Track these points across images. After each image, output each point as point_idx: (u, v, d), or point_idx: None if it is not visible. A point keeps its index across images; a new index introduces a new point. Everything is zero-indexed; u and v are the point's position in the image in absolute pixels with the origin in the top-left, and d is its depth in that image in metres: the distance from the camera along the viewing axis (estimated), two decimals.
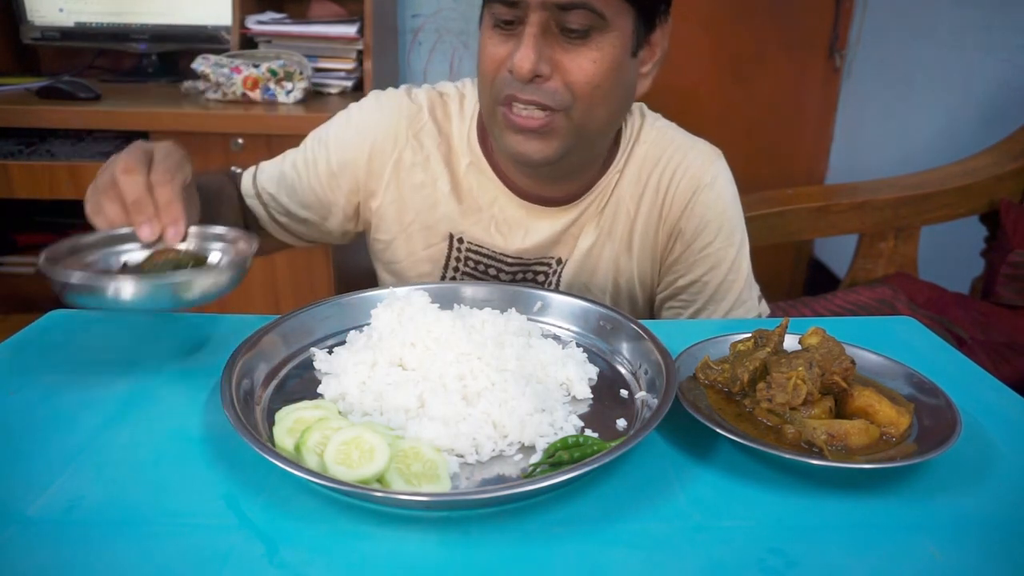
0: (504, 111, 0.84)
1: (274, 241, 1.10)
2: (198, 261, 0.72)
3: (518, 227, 0.98)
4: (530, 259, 0.99)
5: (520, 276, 1.01)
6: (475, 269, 1.01)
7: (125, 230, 0.73)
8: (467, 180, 0.98)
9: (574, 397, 0.68)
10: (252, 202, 1.05)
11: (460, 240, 1.00)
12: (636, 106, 1.01)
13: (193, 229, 0.76)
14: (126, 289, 0.63)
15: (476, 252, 1.00)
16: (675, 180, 0.96)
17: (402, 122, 0.98)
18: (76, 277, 0.63)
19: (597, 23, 0.78)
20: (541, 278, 1.01)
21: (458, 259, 1.01)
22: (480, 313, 0.76)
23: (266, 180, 1.04)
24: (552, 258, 1.00)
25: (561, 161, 0.87)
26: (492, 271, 1.01)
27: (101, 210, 0.72)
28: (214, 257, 0.75)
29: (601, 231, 0.98)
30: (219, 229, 0.76)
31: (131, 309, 0.68)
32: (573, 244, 0.99)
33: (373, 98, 1.02)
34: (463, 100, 1.00)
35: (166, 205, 0.71)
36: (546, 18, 0.78)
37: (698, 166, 0.97)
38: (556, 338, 0.77)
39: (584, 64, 0.80)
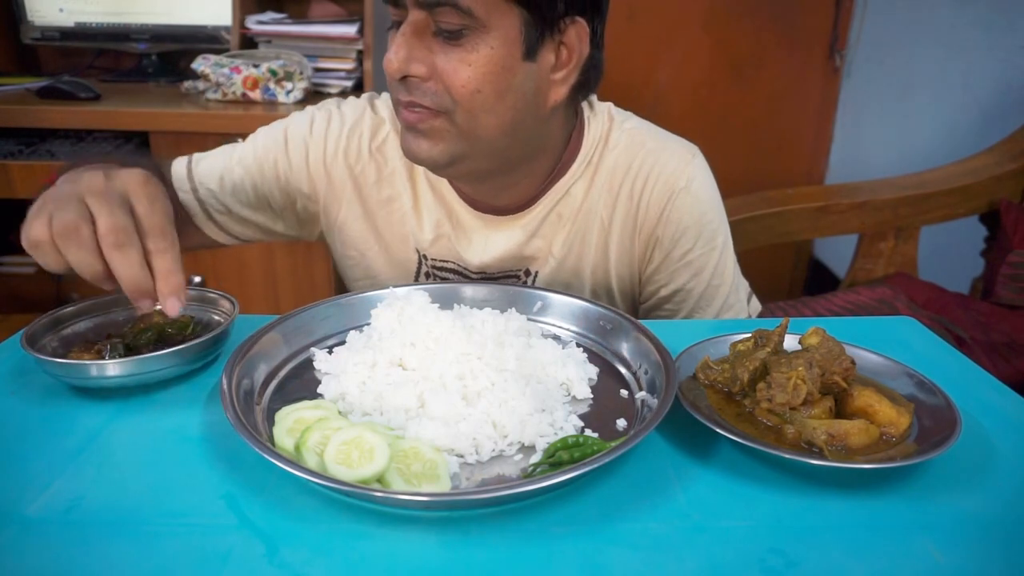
0: (400, 109, 0.81)
1: (206, 239, 1.00)
2: (182, 325, 0.73)
3: (476, 238, 0.95)
4: (495, 273, 0.97)
5: None
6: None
7: (102, 298, 0.76)
8: (424, 191, 0.96)
9: (574, 397, 0.68)
10: (186, 197, 0.96)
11: (425, 257, 0.98)
12: (603, 107, 0.96)
13: None
14: (110, 370, 0.65)
15: (441, 268, 0.98)
16: (648, 186, 0.92)
17: (365, 135, 0.96)
18: (57, 363, 0.65)
19: (470, 23, 0.73)
20: None
21: (427, 274, 0.99)
22: (480, 313, 0.76)
23: (205, 174, 0.96)
24: (519, 271, 0.97)
25: (458, 165, 0.83)
26: None
27: (73, 263, 0.61)
28: (199, 317, 0.78)
29: (573, 242, 0.95)
30: (201, 289, 0.79)
31: (118, 387, 0.68)
32: (542, 256, 0.96)
33: (334, 106, 0.98)
34: None
35: (166, 275, 0.62)
36: (423, 18, 0.75)
37: (671, 169, 0.92)
38: (556, 338, 0.77)
39: (458, 67, 0.75)
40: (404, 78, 0.77)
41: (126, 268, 0.60)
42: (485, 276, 0.97)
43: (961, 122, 2.25)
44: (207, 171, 0.96)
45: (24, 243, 0.63)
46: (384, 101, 0.99)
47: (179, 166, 0.97)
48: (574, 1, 0.78)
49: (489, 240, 0.95)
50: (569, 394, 0.68)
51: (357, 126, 0.97)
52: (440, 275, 0.99)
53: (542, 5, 0.75)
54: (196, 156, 0.98)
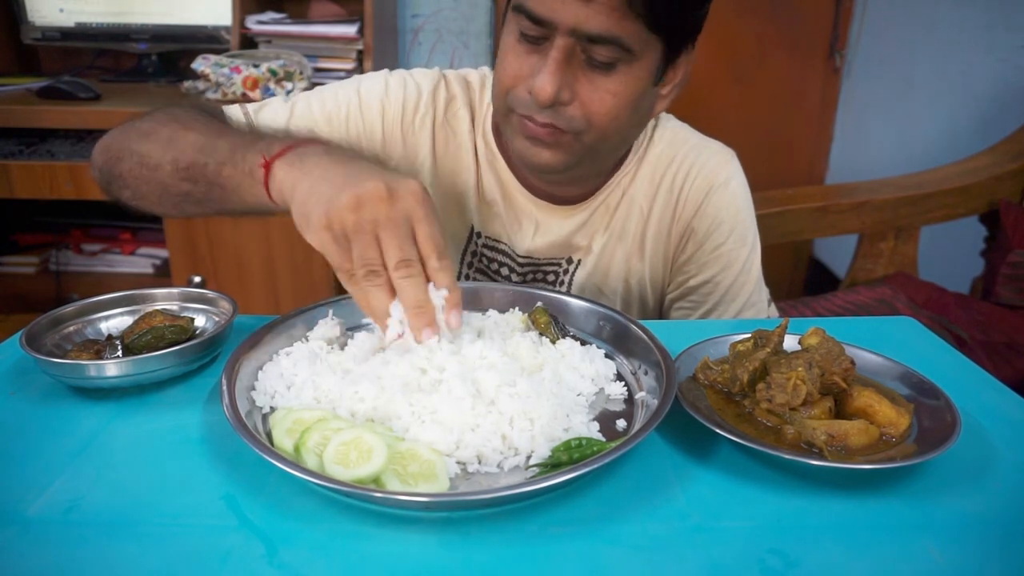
0: (518, 118, 0.82)
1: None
2: (183, 328, 0.73)
3: (528, 224, 0.97)
4: (540, 259, 0.99)
5: (530, 276, 1.00)
6: (487, 267, 1.01)
7: (102, 297, 0.76)
8: (485, 170, 0.97)
9: (589, 402, 0.66)
10: None
11: (479, 234, 0.99)
12: None
13: (175, 291, 0.79)
14: (109, 370, 0.65)
15: (491, 248, 1.00)
16: (689, 179, 0.96)
17: (440, 105, 0.96)
18: (58, 364, 0.65)
19: (624, 57, 0.76)
20: (551, 278, 1.00)
21: (474, 253, 1.01)
22: (487, 318, 0.75)
23: (269, 126, 0.91)
24: (562, 258, 0.99)
25: (569, 171, 0.87)
26: (504, 270, 1.00)
27: (369, 303, 0.65)
28: (199, 321, 0.77)
29: (613, 231, 0.98)
30: (201, 290, 0.79)
31: (117, 387, 0.68)
32: (586, 245, 0.98)
33: (406, 74, 0.97)
34: (483, 90, 0.98)
35: (450, 289, 0.65)
36: (572, 44, 0.75)
37: (712, 166, 0.96)
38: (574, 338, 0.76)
39: (604, 97, 0.78)
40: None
41: (413, 295, 0.64)
42: (530, 262, 0.99)
43: (961, 122, 2.25)
44: (270, 123, 0.92)
45: (317, 245, 0.64)
46: (457, 77, 0.98)
47: (235, 114, 0.93)
48: (696, 29, 0.82)
49: (541, 227, 0.97)
50: (587, 402, 0.66)
51: (434, 96, 0.96)
52: (487, 255, 1.00)
53: (680, 37, 0.80)
54: (251, 107, 0.94)
